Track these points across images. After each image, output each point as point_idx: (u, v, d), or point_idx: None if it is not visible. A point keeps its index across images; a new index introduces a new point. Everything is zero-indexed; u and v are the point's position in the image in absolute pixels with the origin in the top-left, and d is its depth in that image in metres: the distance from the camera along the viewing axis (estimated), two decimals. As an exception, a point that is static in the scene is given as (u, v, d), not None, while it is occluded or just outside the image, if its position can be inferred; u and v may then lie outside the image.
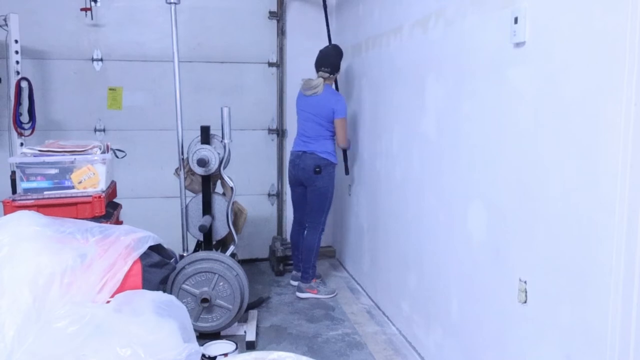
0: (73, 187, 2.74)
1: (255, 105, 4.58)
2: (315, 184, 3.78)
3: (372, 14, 3.64)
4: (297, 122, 3.95)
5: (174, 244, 2.90)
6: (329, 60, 3.79)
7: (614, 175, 1.50)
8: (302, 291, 3.83)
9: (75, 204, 2.68)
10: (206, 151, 3.21)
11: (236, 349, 2.75)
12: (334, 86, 3.95)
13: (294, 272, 4.13)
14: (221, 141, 3.29)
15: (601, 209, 1.55)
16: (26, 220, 2.26)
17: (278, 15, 4.53)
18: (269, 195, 4.74)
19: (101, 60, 4.27)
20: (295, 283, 4.02)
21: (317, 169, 3.74)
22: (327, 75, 3.77)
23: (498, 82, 2.07)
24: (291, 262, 4.33)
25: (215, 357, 2.66)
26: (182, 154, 3.22)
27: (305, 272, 3.85)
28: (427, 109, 2.74)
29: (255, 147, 4.60)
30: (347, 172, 4.14)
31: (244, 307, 3.17)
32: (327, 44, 4.54)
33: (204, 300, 3.01)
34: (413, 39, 2.92)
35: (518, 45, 1.93)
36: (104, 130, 4.33)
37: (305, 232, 3.93)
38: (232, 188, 3.28)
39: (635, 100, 1.44)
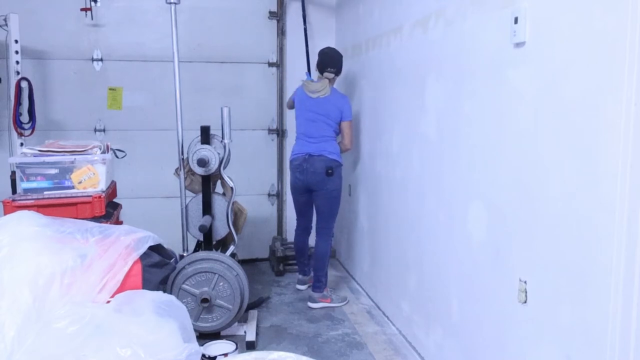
0: (73, 187, 2.74)
1: (255, 105, 4.58)
2: (327, 187, 3.63)
3: (372, 14, 3.64)
4: (297, 123, 3.80)
5: (174, 244, 2.90)
6: (335, 60, 3.71)
7: (614, 175, 1.50)
8: (314, 301, 3.66)
9: (75, 204, 2.68)
10: (206, 151, 3.21)
11: (236, 349, 2.75)
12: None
13: (299, 277, 4.03)
14: (221, 141, 3.29)
15: (601, 209, 1.55)
16: (26, 220, 2.26)
17: (278, 15, 4.53)
18: (269, 195, 4.74)
19: (101, 60, 4.27)
20: (302, 287, 3.96)
21: (330, 171, 3.60)
22: (332, 76, 3.69)
23: (498, 82, 2.07)
24: (291, 262, 4.33)
25: (215, 357, 2.66)
26: (182, 154, 3.22)
27: (318, 280, 3.69)
28: (427, 109, 2.74)
29: (255, 147, 4.60)
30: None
31: (244, 307, 3.17)
32: (327, 44, 4.56)
33: (204, 300, 3.01)
34: (413, 39, 2.92)
35: (518, 45, 1.93)
36: (104, 130, 4.33)
37: (316, 240, 3.78)
38: (232, 188, 3.27)
39: (635, 100, 1.44)
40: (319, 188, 3.66)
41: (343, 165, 3.76)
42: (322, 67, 3.70)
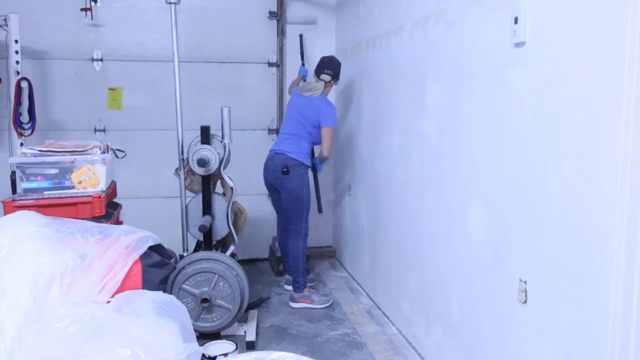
0: (73, 187, 2.74)
1: (255, 105, 4.58)
2: (285, 186, 3.61)
3: (372, 14, 3.64)
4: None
5: (174, 244, 2.90)
6: (333, 63, 3.73)
7: (614, 175, 1.50)
8: (295, 301, 3.67)
9: (75, 204, 2.67)
10: (206, 151, 3.21)
11: (236, 349, 2.75)
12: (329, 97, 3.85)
13: (287, 277, 4.03)
14: (221, 141, 3.29)
15: (601, 209, 1.55)
16: (26, 221, 2.26)
17: (278, 15, 4.53)
18: (269, 195, 4.73)
19: (101, 60, 4.27)
20: (289, 288, 3.94)
21: (285, 169, 3.57)
22: (328, 79, 3.70)
23: (498, 82, 2.07)
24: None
25: (215, 357, 2.66)
26: (182, 154, 3.22)
27: (295, 281, 3.70)
28: (427, 109, 2.74)
29: (255, 147, 4.59)
30: (320, 209, 4.06)
31: (244, 307, 3.17)
32: (327, 44, 4.57)
33: (204, 300, 3.01)
34: (413, 39, 2.92)
35: (518, 45, 1.93)
36: (104, 130, 4.33)
37: (289, 240, 3.75)
38: (232, 188, 3.27)
39: (635, 100, 1.44)
40: (279, 187, 3.67)
41: (309, 167, 3.71)
42: (319, 70, 3.74)
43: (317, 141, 3.72)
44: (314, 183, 3.97)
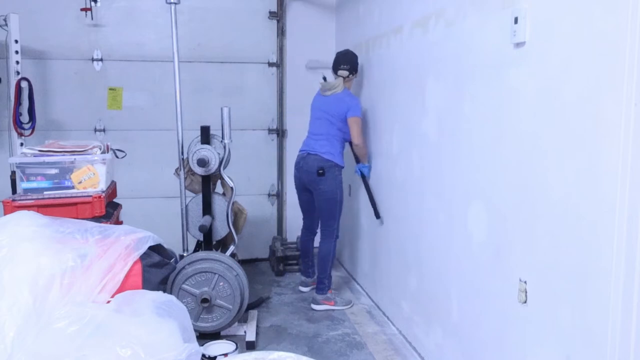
0: (73, 187, 2.74)
1: (255, 105, 4.58)
2: (320, 188, 3.60)
3: (372, 14, 3.64)
4: (309, 123, 3.80)
5: (174, 244, 2.89)
6: (348, 57, 3.68)
7: (614, 175, 1.50)
8: (317, 303, 3.64)
9: (75, 204, 2.67)
10: (206, 151, 3.20)
11: (236, 349, 2.75)
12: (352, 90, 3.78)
13: (302, 279, 4.01)
14: (221, 141, 3.28)
15: (601, 209, 1.55)
16: (26, 221, 2.26)
17: (278, 15, 4.53)
18: (269, 195, 4.74)
19: (101, 60, 4.27)
20: (304, 289, 3.93)
21: (320, 171, 3.56)
22: (346, 73, 3.65)
23: (498, 82, 2.07)
24: (291, 262, 4.32)
25: (215, 357, 2.66)
26: (182, 154, 3.22)
27: (321, 282, 3.67)
28: (428, 109, 2.74)
29: (255, 147, 4.60)
30: (377, 215, 3.62)
31: (244, 307, 3.17)
32: (327, 44, 4.56)
33: (204, 300, 3.01)
34: (413, 40, 2.92)
35: (518, 45, 1.93)
36: (104, 130, 4.33)
37: (319, 240, 3.73)
38: (232, 188, 3.27)
39: (635, 100, 1.44)
40: (313, 188, 3.65)
41: (343, 167, 3.68)
42: (335, 66, 3.71)
43: (348, 137, 3.67)
44: (366, 190, 3.80)
